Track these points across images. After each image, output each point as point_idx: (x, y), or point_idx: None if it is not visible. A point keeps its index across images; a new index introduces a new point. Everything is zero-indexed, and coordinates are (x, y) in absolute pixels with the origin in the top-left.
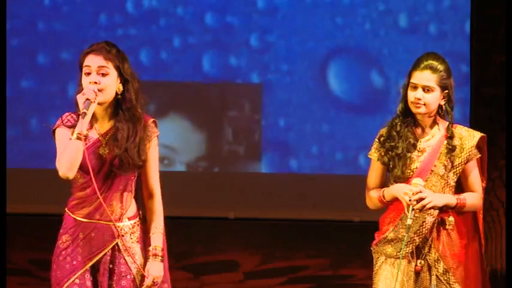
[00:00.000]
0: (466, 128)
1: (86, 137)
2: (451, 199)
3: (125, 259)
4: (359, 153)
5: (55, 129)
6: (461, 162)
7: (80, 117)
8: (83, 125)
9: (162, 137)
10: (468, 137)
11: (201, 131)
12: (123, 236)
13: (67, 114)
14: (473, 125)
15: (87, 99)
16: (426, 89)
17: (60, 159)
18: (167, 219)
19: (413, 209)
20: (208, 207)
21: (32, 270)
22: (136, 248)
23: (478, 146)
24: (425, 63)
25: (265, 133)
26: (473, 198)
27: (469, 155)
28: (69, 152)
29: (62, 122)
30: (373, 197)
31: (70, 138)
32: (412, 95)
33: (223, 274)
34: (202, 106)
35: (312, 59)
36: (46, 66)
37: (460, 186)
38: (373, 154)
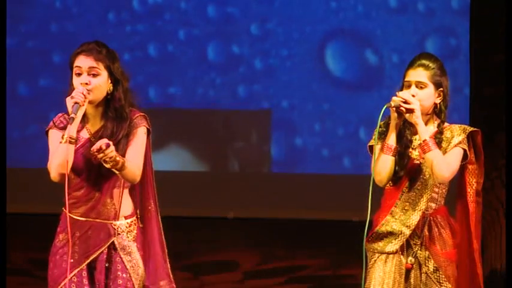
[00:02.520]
0: (460, 124)
1: (76, 139)
2: (426, 131)
3: (121, 257)
4: (359, 127)
5: (48, 130)
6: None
7: (69, 121)
8: (72, 129)
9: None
10: (459, 130)
11: (203, 163)
12: (119, 234)
13: (60, 115)
14: (473, 125)
15: (76, 102)
16: (420, 86)
17: (51, 162)
18: (167, 219)
19: (397, 100)
20: (207, 207)
21: (32, 270)
22: (133, 247)
23: (473, 141)
24: (418, 62)
25: (272, 116)
26: (440, 158)
27: (458, 142)
28: (58, 156)
29: (54, 123)
30: (376, 159)
31: (60, 142)
32: (407, 93)
33: (222, 274)
34: (206, 135)
35: (309, 42)
36: (61, 65)
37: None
38: (376, 140)
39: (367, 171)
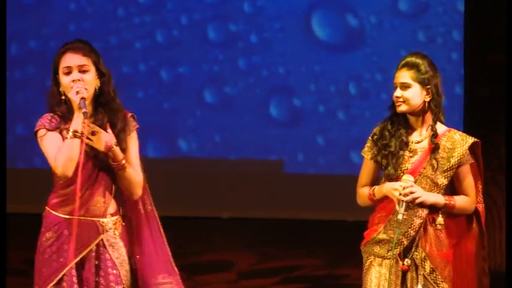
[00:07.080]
0: (460, 132)
1: (82, 134)
2: (440, 199)
3: (110, 254)
4: (348, 84)
5: (37, 131)
6: (453, 166)
7: (82, 115)
8: (78, 122)
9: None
10: (460, 141)
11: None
12: (107, 231)
13: (48, 116)
14: (468, 124)
15: (82, 97)
16: (403, 86)
17: (58, 159)
18: (162, 219)
19: (403, 203)
20: (202, 207)
21: (30, 271)
22: (120, 244)
23: (473, 152)
24: (403, 62)
25: (269, 80)
26: (464, 202)
27: (461, 159)
28: (67, 151)
29: (44, 126)
30: (363, 194)
31: (66, 137)
32: (393, 95)
33: (217, 274)
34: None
35: (297, 14)
36: None
37: (455, 191)
38: (366, 152)
39: None
